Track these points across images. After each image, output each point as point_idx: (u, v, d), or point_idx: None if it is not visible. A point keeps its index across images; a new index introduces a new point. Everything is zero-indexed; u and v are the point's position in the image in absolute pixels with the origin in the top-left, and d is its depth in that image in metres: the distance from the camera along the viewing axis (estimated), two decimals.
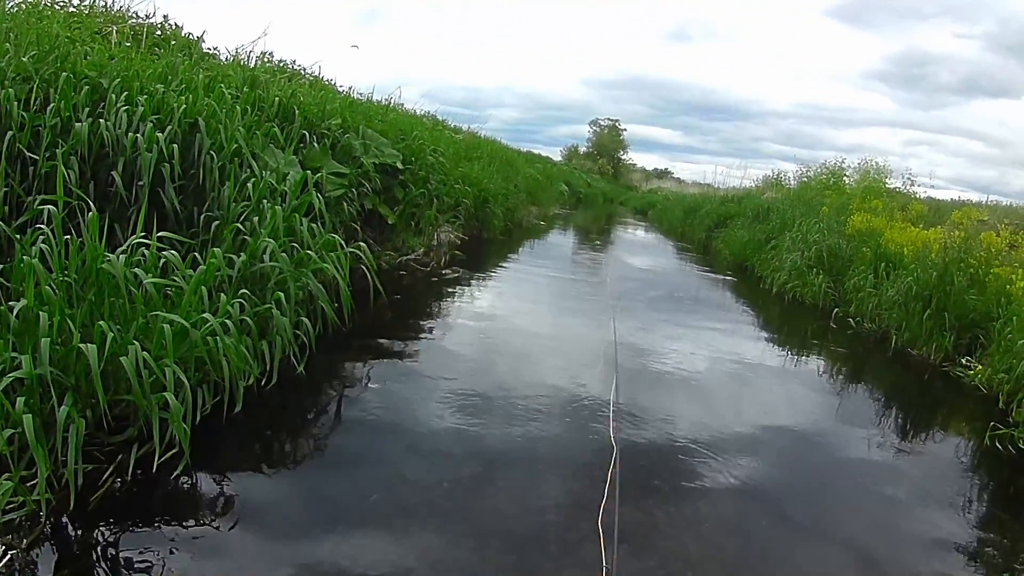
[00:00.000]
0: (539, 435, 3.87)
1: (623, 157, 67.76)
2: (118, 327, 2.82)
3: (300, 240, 4.41)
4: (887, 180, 14.30)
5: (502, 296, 7.96)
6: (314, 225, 4.65)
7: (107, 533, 2.44)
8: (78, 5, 6.16)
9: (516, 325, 6.66)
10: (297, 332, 3.93)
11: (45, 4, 5.74)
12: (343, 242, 4.78)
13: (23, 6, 5.35)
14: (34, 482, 2.29)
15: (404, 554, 2.62)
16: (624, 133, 67.87)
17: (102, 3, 6.52)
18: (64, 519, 2.42)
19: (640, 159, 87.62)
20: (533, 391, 4.53)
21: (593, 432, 3.97)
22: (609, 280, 9.99)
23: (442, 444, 3.61)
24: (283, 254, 4.06)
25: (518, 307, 7.56)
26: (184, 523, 2.59)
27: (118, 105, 4.16)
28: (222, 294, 3.46)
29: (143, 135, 4.07)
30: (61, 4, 6.00)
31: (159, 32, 6.77)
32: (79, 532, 2.42)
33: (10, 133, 3.71)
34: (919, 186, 14.22)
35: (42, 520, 2.31)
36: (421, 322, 6.22)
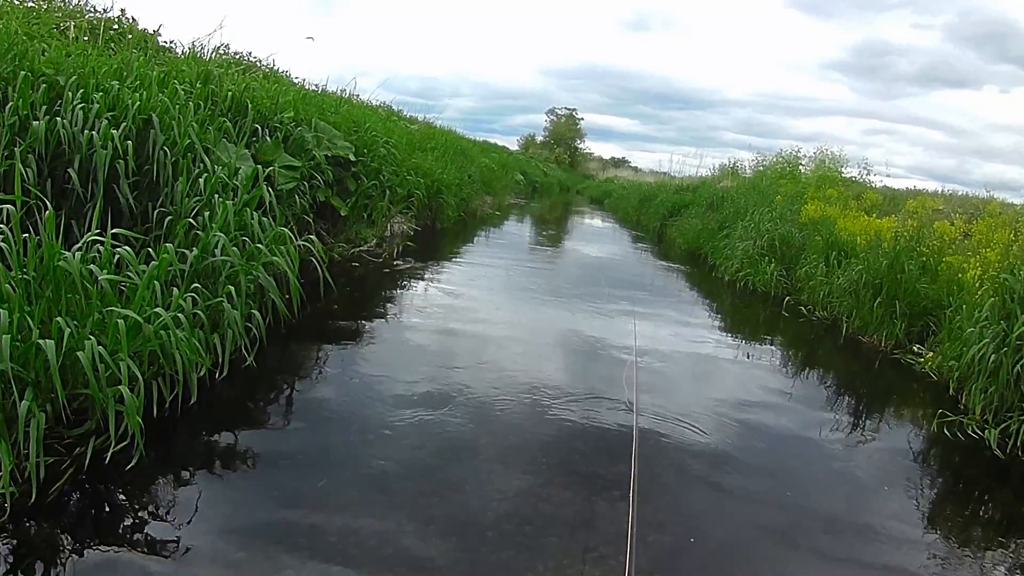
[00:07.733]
0: (492, 419, 4.05)
1: (580, 146, 68.59)
2: (75, 323, 2.94)
3: (251, 234, 4.55)
4: (843, 169, 14.37)
5: (450, 287, 8.01)
6: (265, 219, 4.78)
7: (67, 523, 2.58)
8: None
9: (464, 315, 6.74)
10: (248, 325, 4.09)
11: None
12: (295, 235, 4.93)
13: None
14: None
15: (348, 536, 2.77)
16: (581, 122, 68.61)
17: None
18: (27, 510, 2.53)
19: (597, 148, 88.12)
20: (486, 379, 4.71)
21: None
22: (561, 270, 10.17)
23: (387, 430, 3.74)
24: (234, 248, 4.20)
25: (466, 297, 7.60)
26: (140, 513, 2.73)
27: (74, 103, 4.25)
28: (175, 288, 3.57)
29: (98, 132, 4.15)
30: None
31: (116, 27, 6.80)
32: (41, 522, 2.54)
33: None
34: (875, 175, 14.30)
35: (6, 511, 2.43)
36: (372, 312, 6.41)
